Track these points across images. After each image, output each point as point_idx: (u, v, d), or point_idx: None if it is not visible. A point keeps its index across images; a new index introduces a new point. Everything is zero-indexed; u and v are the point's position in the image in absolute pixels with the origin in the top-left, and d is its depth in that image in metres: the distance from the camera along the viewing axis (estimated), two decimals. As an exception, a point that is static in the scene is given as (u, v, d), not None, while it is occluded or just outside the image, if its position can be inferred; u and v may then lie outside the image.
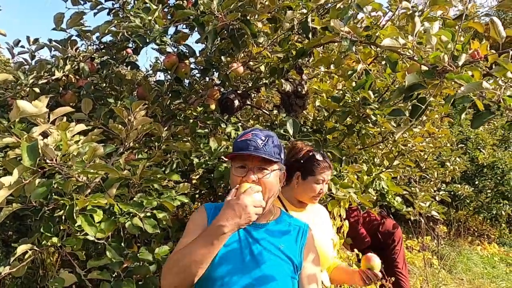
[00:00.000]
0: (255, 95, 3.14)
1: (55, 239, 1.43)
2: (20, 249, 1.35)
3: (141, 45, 1.80)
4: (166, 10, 2.35)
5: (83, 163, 1.26)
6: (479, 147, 7.15)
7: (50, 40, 2.70)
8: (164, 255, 1.99)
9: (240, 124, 2.83)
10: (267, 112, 3.04)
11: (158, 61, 4.52)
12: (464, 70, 1.34)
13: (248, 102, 3.17)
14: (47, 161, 1.28)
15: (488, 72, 1.37)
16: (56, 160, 1.29)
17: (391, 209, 4.00)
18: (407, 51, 1.41)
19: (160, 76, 4.82)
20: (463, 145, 6.89)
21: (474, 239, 7.28)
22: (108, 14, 2.08)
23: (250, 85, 2.91)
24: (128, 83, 2.77)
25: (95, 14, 2.08)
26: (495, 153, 7.09)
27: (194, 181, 2.95)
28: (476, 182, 6.91)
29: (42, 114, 1.18)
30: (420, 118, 2.85)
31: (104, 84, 2.71)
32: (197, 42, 2.62)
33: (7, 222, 3.67)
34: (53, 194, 1.59)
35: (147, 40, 1.75)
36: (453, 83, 1.28)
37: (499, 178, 6.89)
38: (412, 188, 3.85)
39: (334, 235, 1.95)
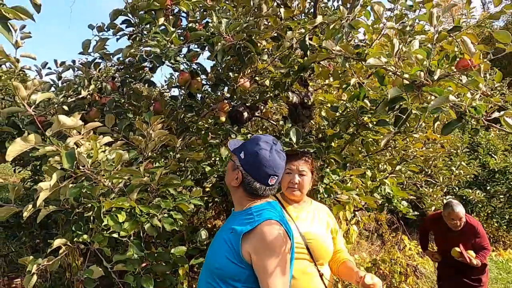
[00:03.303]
0: (263, 107, 3.35)
1: (85, 236, 1.66)
2: (57, 242, 1.57)
3: (157, 64, 2.03)
4: (179, 32, 2.59)
5: (111, 167, 1.48)
6: (490, 152, 7.18)
7: (73, 61, 2.99)
8: (179, 255, 2.19)
9: (249, 134, 3.04)
10: (274, 123, 3.24)
11: (173, 77, 4.80)
12: (440, 83, 1.52)
13: (257, 114, 3.39)
14: (80, 167, 1.51)
15: (463, 84, 1.54)
16: (87, 166, 1.52)
17: (398, 213, 4.12)
18: (391, 67, 1.60)
19: (175, 91, 5.06)
20: (473, 151, 6.94)
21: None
22: (129, 39, 2.33)
23: (257, 98, 3.12)
24: (145, 99, 3.01)
25: (117, 39, 2.34)
26: (506, 159, 7.11)
27: (207, 189, 3.16)
28: (488, 188, 6.93)
29: (79, 126, 1.41)
30: (419, 125, 3.01)
31: (123, 100, 2.96)
32: (208, 59, 2.85)
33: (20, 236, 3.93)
34: (82, 198, 1.83)
35: (163, 60, 1.98)
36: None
37: (511, 183, 6.90)
38: (419, 193, 3.97)
39: (335, 225, 2.07)
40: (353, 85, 2.04)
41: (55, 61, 2.90)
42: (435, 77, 1.47)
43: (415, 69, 1.57)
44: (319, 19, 1.90)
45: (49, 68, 3.00)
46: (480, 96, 1.42)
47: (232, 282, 1.43)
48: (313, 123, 3.72)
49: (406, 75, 1.57)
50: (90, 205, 1.82)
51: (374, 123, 2.37)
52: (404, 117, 1.49)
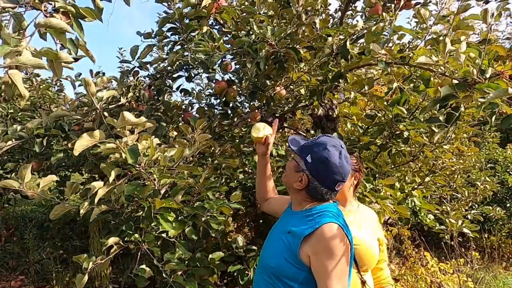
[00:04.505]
0: (291, 118, 3.39)
1: (136, 235, 1.66)
2: (111, 240, 1.58)
3: (203, 71, 2.08)
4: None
5: (172, 163, 1.50)
6: (508, 170, 7.12)
7: (103, 73, 3.08)
8: (218, 261, 2.19)
9: (279, 144, 3.07)
10: (304, 134, 3.26)
11: (194, 91, 4.91)
12: (492, 81, 1.54)
13: (285, 125, 3.42)
14: (136, 165, 1.53)
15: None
16: (143, 165, 1.54)
17: (423, 228, 4.05)
18: (439, 68, 1.63)
19: (195, 105, 5.16)
20: (490, 168, 6.89)
21: (509, 265, 7.09)
22: (173, 46, 2.40)
23: (286, 108, 3.16)
24: (175, 109, 3.08)
25: (162, 46, 2.41)
26: (525, 176, 7.04)
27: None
28: (508, 205, 6.84)
29: (143, 123, 1.44)
30: (449, 135, 3.02)
31: (155, 110, 3.03)
32: (247, 66, 2.92)
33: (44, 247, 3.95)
34: (131, 198, 1.85)
35: (208, 66, 2.03)
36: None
37: (531, 201, 6.81)
38: (443, 207, 3.92)
39: (382, 235, 2.05)
40: (393, 91, 2.06)
41: (91, 71, 2.98)
42: (487, 75, 1.49)
43: (465, 69, 1.60)
44: (361, 23, 1.96)
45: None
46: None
47: (289, 282, 1.41)
48: (336, 135, 3.74)
49: (456, 75, 1.60)
50: (136, 207, 1.84)
51: (410, 130, 2.39)
52: (457, 114, 1.51)
